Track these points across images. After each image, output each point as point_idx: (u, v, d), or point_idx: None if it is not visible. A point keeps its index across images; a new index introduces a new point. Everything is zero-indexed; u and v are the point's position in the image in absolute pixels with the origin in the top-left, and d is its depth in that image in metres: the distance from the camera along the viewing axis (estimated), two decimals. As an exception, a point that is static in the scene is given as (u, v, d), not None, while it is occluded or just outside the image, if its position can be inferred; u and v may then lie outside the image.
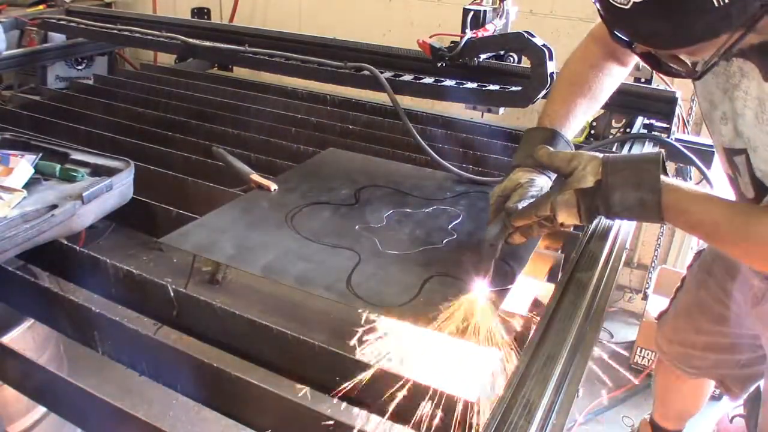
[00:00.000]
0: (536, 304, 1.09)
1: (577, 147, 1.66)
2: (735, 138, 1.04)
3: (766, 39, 0.86)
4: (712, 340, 1.64)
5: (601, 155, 0.99)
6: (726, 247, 1.04)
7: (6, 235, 1.01)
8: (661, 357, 1.87)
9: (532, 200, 1.03)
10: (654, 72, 1.88)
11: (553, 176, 1.07)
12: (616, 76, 1.29)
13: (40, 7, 3.14)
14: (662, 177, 0.95)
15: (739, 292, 1.49)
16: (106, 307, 0.98)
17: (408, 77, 1.95)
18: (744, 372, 1.64)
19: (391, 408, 0.82)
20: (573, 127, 1.21)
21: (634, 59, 1.29)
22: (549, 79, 1.59)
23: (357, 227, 1.21)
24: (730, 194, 1.21)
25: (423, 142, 1.53)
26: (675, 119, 1.74)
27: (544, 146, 1.06)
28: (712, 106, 1.07)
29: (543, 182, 1.08)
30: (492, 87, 1.85)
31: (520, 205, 1.03)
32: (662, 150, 0.99)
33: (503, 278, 1.05)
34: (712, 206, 0.95)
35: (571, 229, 1.03)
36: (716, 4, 0.74)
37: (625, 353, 2.75)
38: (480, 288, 1.01)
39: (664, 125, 1.75)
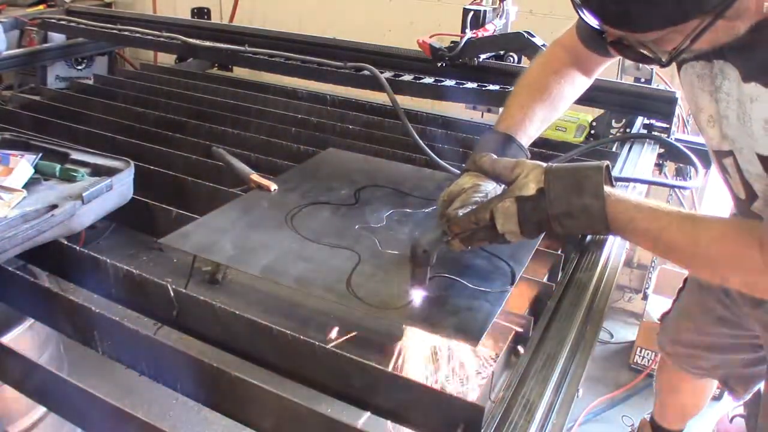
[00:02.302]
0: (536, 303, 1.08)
1: (577, 147, 1.67)
2: (721, 140, 1.03)
3: (738, 36, 0.84)
4: (714, 340, 1.64)
5: (545, 164, 0.96)
6: (673, 256, 0.99)
7: (6, 235, 1.01)
8: (664, 357, 1.87)
9: (474, 206, 0.99)
10: (654, 72, 1.89)
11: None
12: (578, 85, 1.26)
13: (40, 7, 3.14)
14: (607, 187, 0.92)
15: (738, 293, 1.49)
16: (106, 307, 0.98)
17: (408, 77, 1.96)
18: (747, 372, 1.64)
19: (390, 408, 0.82)
20: (530, 134, 1.18)
21: (598, 70, 1.28)
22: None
23: (357, 227, 1.21)
24: (725, 195, 1.20)
25: (421, 143, 1.53)
26: (675, 119, 1.74)
27: (488, 153, 1.03)
28: (698, 109, 1.06)
29: (489, 188, 1.03)
30: (492, 87, 1.85)
31: (461, 212, 0.98)
32: (608, 161, 0.95)
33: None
34: (659, 214, 0.92)
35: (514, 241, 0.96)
36: None
37: (625, 353, 2.75)
38: (417, 297, 0.98)
39: (664, 125, 1.75)
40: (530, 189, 0.93)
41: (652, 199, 0.98)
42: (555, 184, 0.92)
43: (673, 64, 1.01)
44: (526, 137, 1.17)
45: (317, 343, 0.87)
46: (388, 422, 0.85)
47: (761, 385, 1.62)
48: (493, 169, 1.00)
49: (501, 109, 1.69)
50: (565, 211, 0.92)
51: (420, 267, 0.98)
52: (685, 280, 1.74)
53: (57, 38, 2.79)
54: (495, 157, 1.02)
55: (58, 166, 1.22)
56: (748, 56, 0.89)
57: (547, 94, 1.21)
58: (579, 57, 1.22)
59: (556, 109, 1.24)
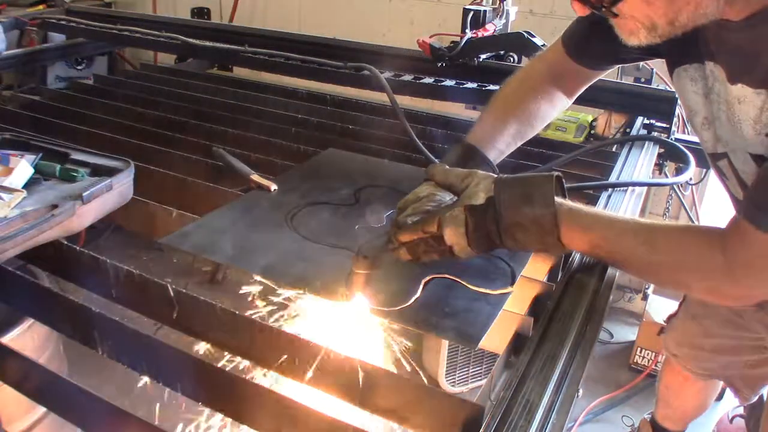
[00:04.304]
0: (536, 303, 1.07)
1: (577, 147, 1.67)
2: (715, 143, 1.03)
3: (704, 16, 0.83)
4: (720, 342, 1.64)
5: (496, 175, 0.94)
6: (632, 266, 0.96)
7: (6, 235, 1.01)
8: (670, 359, 1.87)
9: (424, 215, 0.96)
10: (654, 72, 1.89)
11: None
12: (557, 103, 1.24)
13: (40, 7, 3.15)
14: (558, 198, 0.90)
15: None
16: (106, 307, 0.98)
17: (408, 77, 1.96)
18: (753, 373, 1.64)
19: (390, 407, 0.82)
20: (499, 148, 1.16)
21: (579, 89, 1.26)
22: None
23: (357, 227, 1.21)
24: (724, 195, 1.20)
25: (419, 143, 1.53)
26: (675, 119, 1.74)
27: (441, 164, 1.01)
28: (692, 112, 1.06)
29: (446, 199, 1.00)
30: (492, 87, 1.85)
31: (410, 220, 0.96)
32: (559, 172, 0.93)
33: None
34: (615, 223, 0.90)
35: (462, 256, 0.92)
36: None
37: (625, 353, 2.75)
38: (355, 304, 0.94)
39: (664, 125, 1.75)
40: (480, 198, 0.91)
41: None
42: (504, 194, 0.90)
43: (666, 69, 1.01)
44: (495, 151, 1.15)
45: (317, 343, 0.87)
46: (388, 422, 0.85)
47: (766, 388, 1.62)
48: (446, 179, 0.98)
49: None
50: (515, 221, 0.90)
51: (356, 272, 0.94)
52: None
53: (57, 38, 2.80)
54: (447, 167, 1.00)
55: (58, 166, 1.22)
56: (734, 57, 0.88)
57: (522, 109, 1.19)
58: (561, 74, 1.21)
59: (530, 126, 1.21)
